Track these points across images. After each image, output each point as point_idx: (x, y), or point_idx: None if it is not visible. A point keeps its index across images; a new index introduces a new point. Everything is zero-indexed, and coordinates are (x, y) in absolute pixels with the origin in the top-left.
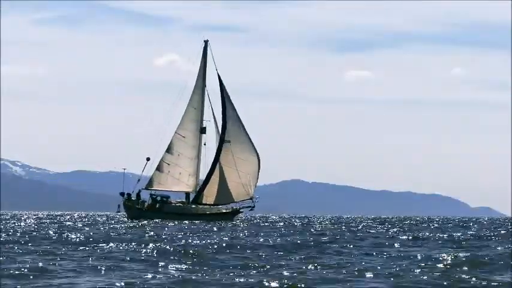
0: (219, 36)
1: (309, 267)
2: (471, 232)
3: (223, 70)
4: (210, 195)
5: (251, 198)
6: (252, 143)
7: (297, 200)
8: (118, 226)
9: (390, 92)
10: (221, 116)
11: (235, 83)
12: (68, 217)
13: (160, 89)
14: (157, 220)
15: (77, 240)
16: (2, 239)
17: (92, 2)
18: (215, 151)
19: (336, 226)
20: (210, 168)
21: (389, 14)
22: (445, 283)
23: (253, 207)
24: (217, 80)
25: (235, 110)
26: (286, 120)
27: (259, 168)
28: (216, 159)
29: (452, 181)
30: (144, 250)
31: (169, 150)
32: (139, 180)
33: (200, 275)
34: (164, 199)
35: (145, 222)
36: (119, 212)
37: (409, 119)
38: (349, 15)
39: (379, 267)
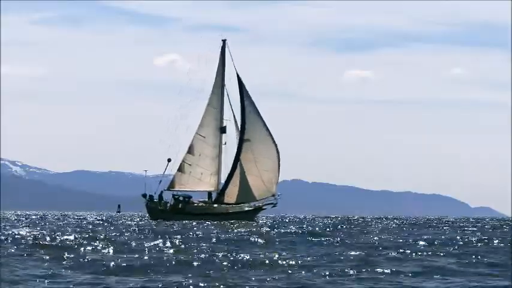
0: (219, 36)
1: None
2: None
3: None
4: (231, 194)
5: (273, 195)
6: (273, 139)
7: (297, 200)
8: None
9: (390, 92)
10: (240, 115)
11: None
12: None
13: (160, 89)
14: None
15: None
16: None
17: (92, 2)
18: (235, 150)
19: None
20: (231, 168)
21: (389, 14)
22: None
23: (276, 204)
24: (236, 79)
25: (255, 107)
26: (286, 120)
27: (279, 165)
28: (237, 158)
29: (452, 181)
30: None
31: (190, 151)
32: (160, 181)
33: None
34: (186, 199)
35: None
36: (119, 212)
37: (409, 119)
38: (349, 15)
39: None
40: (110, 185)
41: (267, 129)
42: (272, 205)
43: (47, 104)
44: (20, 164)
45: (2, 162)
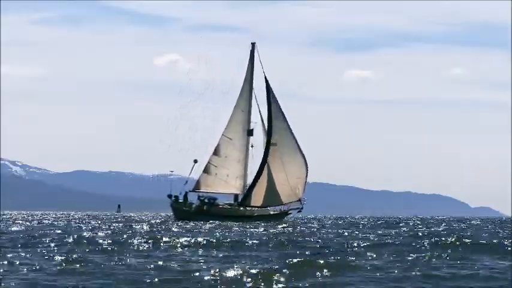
0: (219, 36)
1: None
2: None
3: (225, 70)
4: (258, 197)
5: (299, 200)
6: (298, 145)
7: None
8: None
9: (390, 92)
10: (267, 119)
11: None
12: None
13: (160, 89)
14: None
15: None
16: None
17: (92, 2)
18: (262, 153)
19: None
20: (258, 171)
21: (389, 14)
22: None
23: (302, 208)
24: (264, 83)
25: (281, 111)
26: None
27: (307, 170)
28: (264, 161)
29: (452, 181)
30: None
31: (216, 152)
32: (186, 182)
33: None
34: (211, 201)
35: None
36: (119, 212)
37: (409, 119)
38: (349, 15)
39: None
40: (110, 185)
41: (293, 134)
42: (298, 210)
43: (47, 104)
44: (20, 164)
45: (2, 162)
